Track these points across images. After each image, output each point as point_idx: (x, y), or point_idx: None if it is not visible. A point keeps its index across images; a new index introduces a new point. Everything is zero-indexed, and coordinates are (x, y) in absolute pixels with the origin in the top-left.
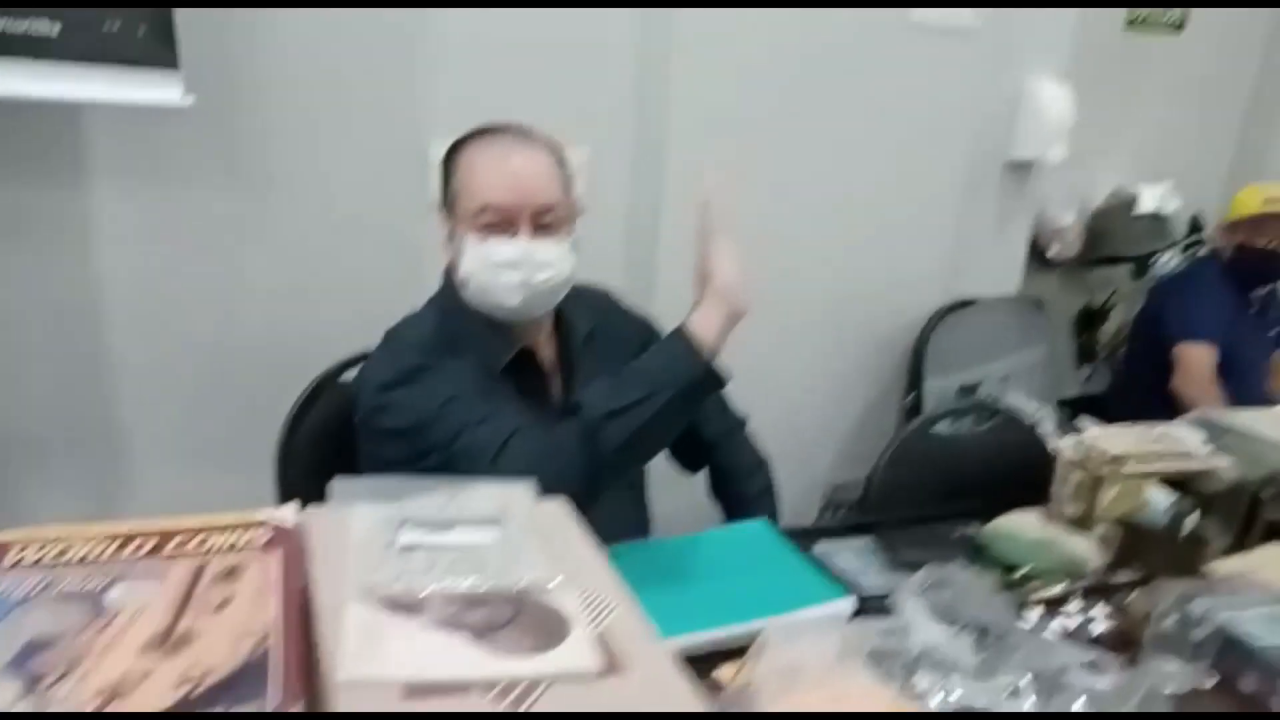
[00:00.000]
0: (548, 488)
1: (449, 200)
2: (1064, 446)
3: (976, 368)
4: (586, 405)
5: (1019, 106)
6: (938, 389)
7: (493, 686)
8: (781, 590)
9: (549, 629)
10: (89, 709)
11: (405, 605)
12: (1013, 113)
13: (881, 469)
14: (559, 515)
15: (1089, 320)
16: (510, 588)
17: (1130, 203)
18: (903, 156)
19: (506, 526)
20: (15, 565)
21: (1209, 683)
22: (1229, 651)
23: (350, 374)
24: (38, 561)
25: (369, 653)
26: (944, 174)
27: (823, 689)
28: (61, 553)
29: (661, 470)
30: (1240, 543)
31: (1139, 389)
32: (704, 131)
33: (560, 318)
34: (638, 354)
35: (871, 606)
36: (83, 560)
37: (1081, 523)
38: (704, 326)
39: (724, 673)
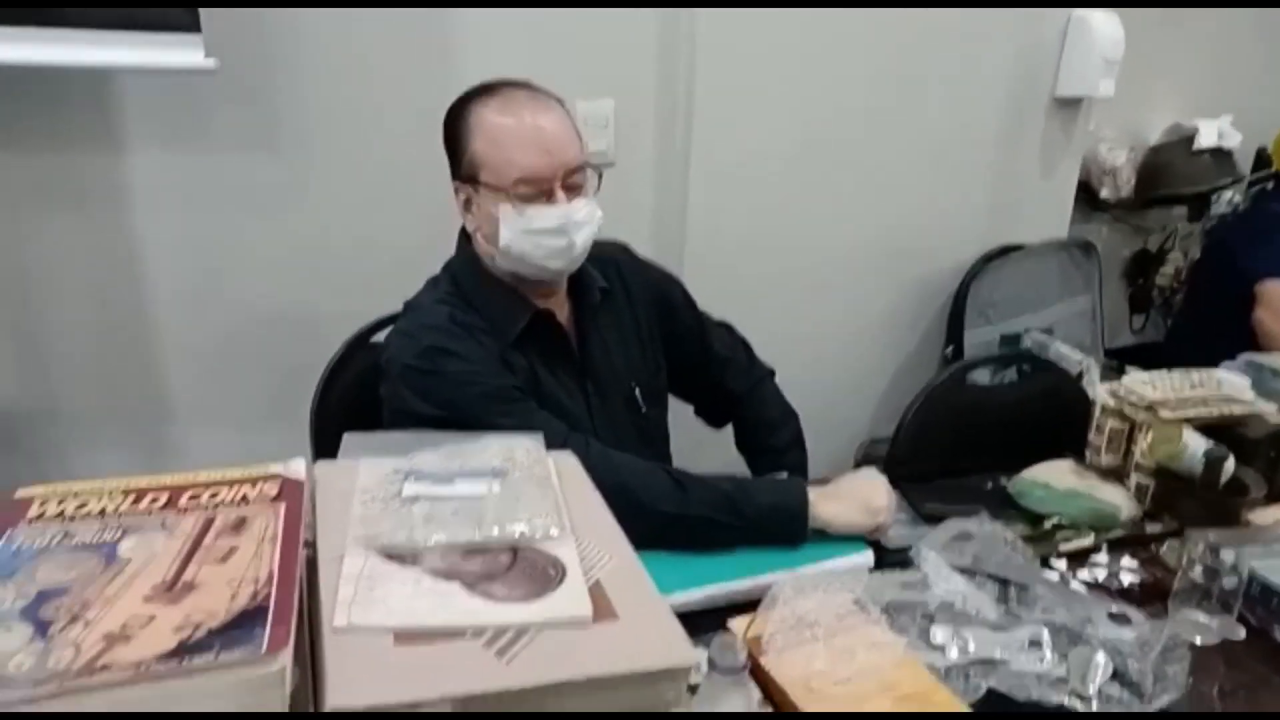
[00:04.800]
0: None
1: (465, 166)
2: (1101, 393)
3: (1021, 317)
4: (689, 495)
5: (1066, 39)
6: (979, 339)
7: (483, 632)
8: (800, 547)
9: (544, 578)
10: (94, 652)
11: (403, 556)
12: (1059, 46)
13: (910, 420)
14: (569, 467)
15: (1144, 265)
16: (508, 538)
17: (1189, 138)
18: (943, 94)
19: (509, 478)
20: (37, 519)
21: (1240, 633)
22: (1264, 601)
23: (382, 334)
24: (58, 515)
25: (364, 600)
26: (987, 112)
27: (834, 640)
28: (80, 506)
29: (687, 424)
30: None
31: (1203, 331)
32: (733, 74)
33: (574, 276)
34: (656, 313)
35: (893, 560)
36: (100, 513)
37: (1116, 473)
38: (827, 511)
39: (737, 625)
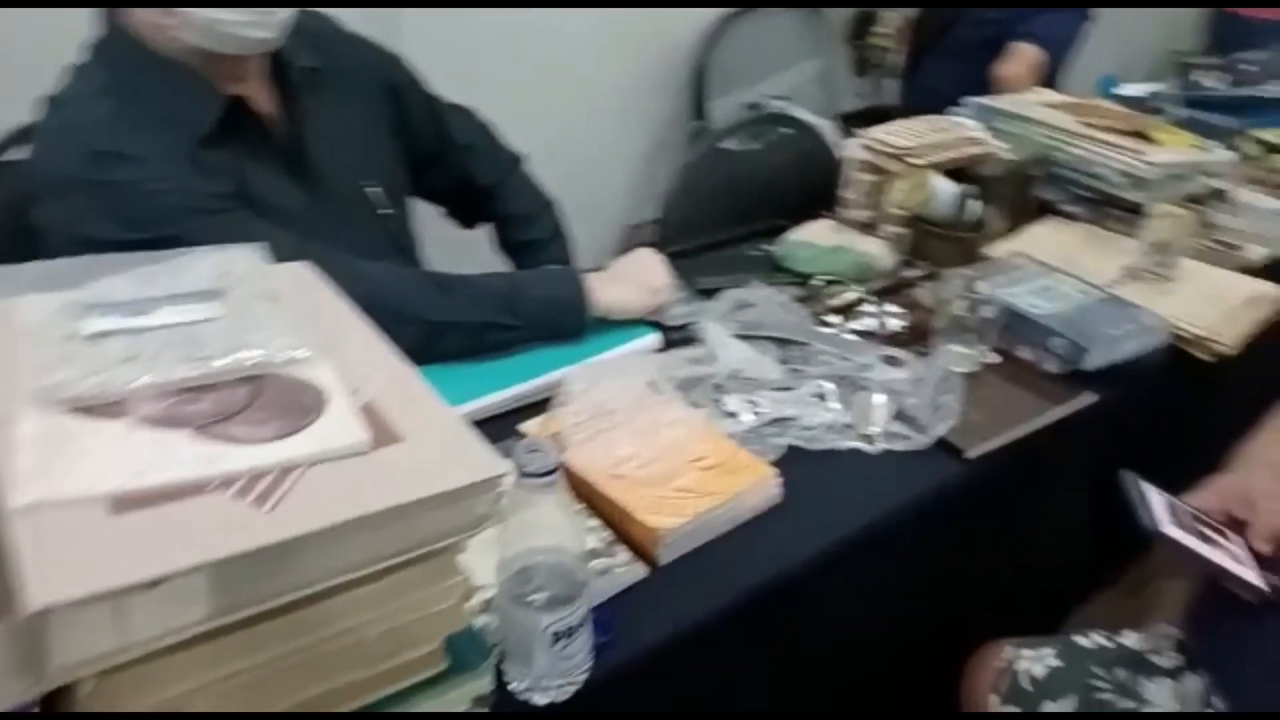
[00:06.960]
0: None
1: None
2: (851, 148)
3: (759, 84)
4: (456, 298)
5: None
6: (724, 109)
7: (233, 481)
8: (584, 338)
9: (298, 409)
10: None
11: (101, 407)
12: None
13: (675, 196)
14: (305, 280)
15: (862, 26)
16: (239, 367)
17: None
18: None
19: (230, 299)
20: None
21: (995, 359)
22: (1014, 326)
23: (19, 152)
24: None
25: (57, 468)
26: None
27: (634, 424)
28: None
29: (436, 231)
30: (1014, 224)
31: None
32: None
33: (274, 55)
34: (379, 97)
35: (677, 338)
36: None
37: (871, 226)
38: (607, 297)
39: (529, 427)
